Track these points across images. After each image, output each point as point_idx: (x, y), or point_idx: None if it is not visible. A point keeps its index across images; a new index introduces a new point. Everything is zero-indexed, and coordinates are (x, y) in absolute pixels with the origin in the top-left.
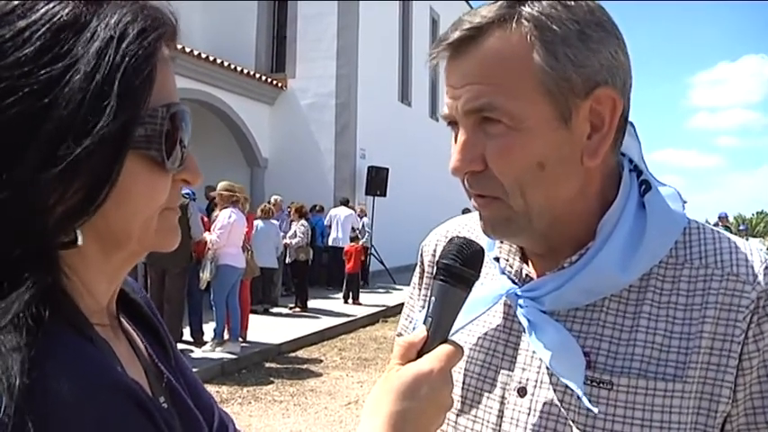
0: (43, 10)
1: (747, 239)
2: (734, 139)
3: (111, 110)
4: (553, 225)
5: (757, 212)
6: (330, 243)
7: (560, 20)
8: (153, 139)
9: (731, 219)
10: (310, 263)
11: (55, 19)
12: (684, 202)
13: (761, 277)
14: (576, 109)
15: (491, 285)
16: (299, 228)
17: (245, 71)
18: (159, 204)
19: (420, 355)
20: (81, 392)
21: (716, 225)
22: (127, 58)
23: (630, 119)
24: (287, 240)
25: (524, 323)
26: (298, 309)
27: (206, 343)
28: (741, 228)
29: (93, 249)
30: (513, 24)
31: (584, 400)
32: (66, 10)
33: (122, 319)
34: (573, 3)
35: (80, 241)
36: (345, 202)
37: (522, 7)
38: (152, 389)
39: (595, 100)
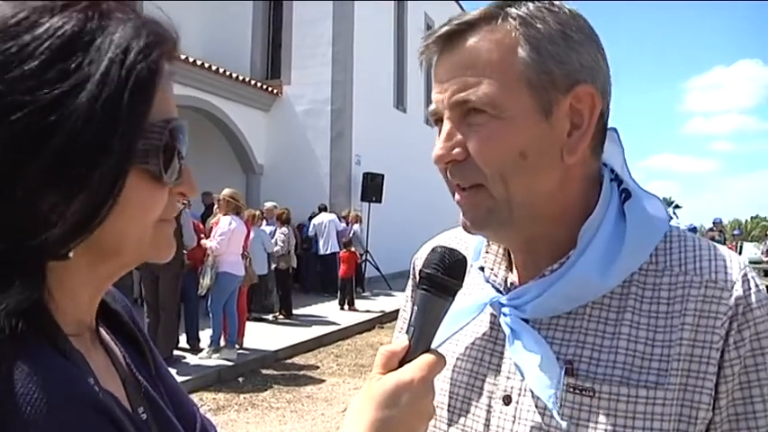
0: (48, 24)
1: (742, 244)
2: (729, 143)
3: (117, 128)
4: (534, 220)
5: (752, 217)
6: (320, 252)
7: (544, 20)
8: (152, 154)
9: (726, 223)
10: (292, 270)
11: (60, 33)
12: (678, 207)
13: (738, 284)
14: (556, 104)
15: (476, 295)
16: (279, 235)
17: (241, 78)
18: (156, 217)
19: (402, 364)
20: (46, 406)
21: (710, 231)
22: (132, 77)
23: (625, 123)
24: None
25: (506, 331)
26: (281, 316)
27: (202, 350)
28: (736, 232)
29: (82, 261)
30: (500, 21)
31: (555, 413)
32: (71, 24)
33: (101, 329)
34: (557, 9)
35: (71, 255)
36: (324, 209)
37: (510, 8)
38: (130, 399)
39: (575, 98)
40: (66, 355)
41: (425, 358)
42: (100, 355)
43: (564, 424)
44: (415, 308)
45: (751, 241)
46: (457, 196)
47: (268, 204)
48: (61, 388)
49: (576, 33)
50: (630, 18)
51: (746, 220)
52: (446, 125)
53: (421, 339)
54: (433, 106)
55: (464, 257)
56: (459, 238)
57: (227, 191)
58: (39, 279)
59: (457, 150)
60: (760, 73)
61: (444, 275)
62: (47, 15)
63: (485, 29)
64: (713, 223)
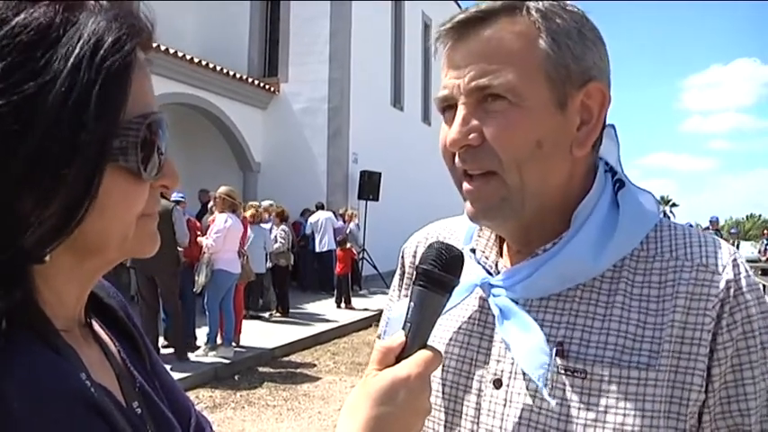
0: (14, 21)
1: (739, 243)
2: (726, 142)
3: (89, 126)
4: (540, 210)
5: (749, 215)
6: (317, 249)
7: (562, 16)
8: (129, 151)
9: (723, 222)
10: (291, 268)
11: (27, 30)
12: (675, 205)
13: (729, 268)
14: (570, 98)
15: (466, 276)
16: (280, 233)
17: (238, 75)
18: (137, 213)
19: (398, 360)
20: (35, 401)
21: (707, 229)
22: (103, 72)
23: (622, 121)
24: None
25: (496, 312)
26: (278, 314)
27: (199, 347)
28: (732, 231)
29: (66, 258)
30: (523, 12)
31: (545, 392)
32: (39, 20)
33: (95, 324)
34: (571, 8)
35: (48, 258)
36: (321, 207)
37: (529, 3)
38: (124, 394)
39: (586, 94)
40: (58, 351)
41: (422, 354)
42: (93, 349)
43: (553, 403)
44: (412, 304)
45: (748, 240)
46: (466, 185)
47: (265, 203)
48: (51, 384)
49: (589, 32)
50: (628, 16)
51: (743, 219)
52: (461, 110)
53: (417, 335)
54: (445, 92)
55: (461, 253)
56: (449, 229)
57: (223, 188)
58: (21, 279)
59: (473, 135)
60: (758, 71)
61: (441, 271)
62: (12, 12)
63: (505, 19)
64: (710, 222)
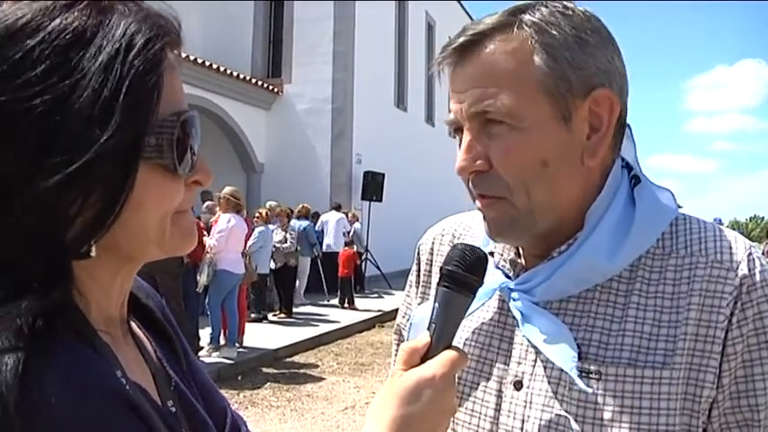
0: (50, 26)
1: None
2: (730, 143)
3: (120, 123)
4: (555, 221)
5: (752, 217)
6: (323, 249)
7: (559, 26)
8: (164, 148)
9: (726, 223)
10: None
11: (63, 35)
12: (679, 206)
13: (743, 264)
14: (575, 109)
15: (485, 280)
16: (290, 232)
17: (242, 76)
18: (173, 209)
19: (423, 360)
20: (73, 397)
21: None
22: (134, 71)
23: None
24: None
25: (517, 316)
26: (283, 315)
27: (202, 348)
28: None
29: (110, 255)
30: (515, 29)
31: (579, 382)
32: (74, 24)
33: (133, 324)
34: (571, 12)
35: (93, 253)
36: (337, 207)
37: (523, 15)
38: (160, 393)
39: (593, 101)
40: (95, 349)
41: (447, 354)
42: (130, 348)
43: (589, 390)
44: (436, 305)
45: (751, 241)
46: (478, 203)
47: (270, 203)
48: (87, 381)
49: (592, 36)
50: (633, 17)
51: (747, 220)
52: (466, 136)
53: (442, 336)
54: (451, 116)
55: (485, 254)
56: (465, 225)
57: (227, 189)
58: (63, 276)
59: (479, 162)
60: (762, 72)
61: (466, 272)
62: (49, 17)
63: (499, 38)
64: None
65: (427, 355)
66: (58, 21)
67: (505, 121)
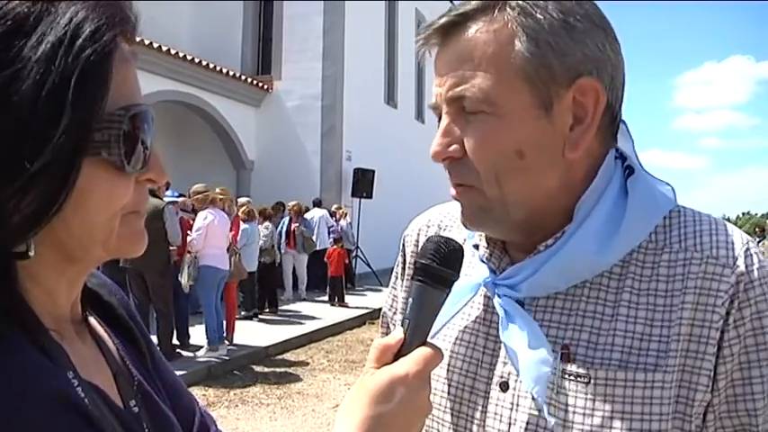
0: None
1: None
2: (720, 140)
3: (65, 118)
4: (532, 216)
5: (742, 213)
6: None
7: (545, 9)
8: (111, 144)
9: None
10: (278, 265)
11: (3, 22)
12: None
13: (740, 260)
14: (557, 98)
15: (471, 275)
16: (263, 230)
17: (231, 73)
18: (120, 208)
19: (397, 358)
20: (12, 402)
21: None
22: (80, 62)
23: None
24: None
25: (501, 314)
26: (269, 311)
27: (192, 346)
28: None
29: (52, 255)
30: (497, 12)
31: (544, 408)
32: (16, 11)
33: (93, 322)
34: None
35: (32, 252)
36: (318, 203)
37: None
38: (121, 393)
39: (578, 91)
40: (45, 349)
41: (421, 351)
42: (88, 348)
43: (552, 421)
44: (411, 300)
45: None
46: (452, 191)
47: (241, 200)
48: (30, 384)
49: (581, 22)
50: (621, 13)
51: (737, 217)
52: (444, 120)
53: (416, 332)
54: (432, 100)
55: (460, 247)
56: (451, 215)
57: (195, 187)
58: (5, 277)
59: (453, 147)
60: (751, 69)
61: (440, 266)
62: None
63: (482, 19)
64: None
65: (401, 352)
66: None
67: (482, 107)
